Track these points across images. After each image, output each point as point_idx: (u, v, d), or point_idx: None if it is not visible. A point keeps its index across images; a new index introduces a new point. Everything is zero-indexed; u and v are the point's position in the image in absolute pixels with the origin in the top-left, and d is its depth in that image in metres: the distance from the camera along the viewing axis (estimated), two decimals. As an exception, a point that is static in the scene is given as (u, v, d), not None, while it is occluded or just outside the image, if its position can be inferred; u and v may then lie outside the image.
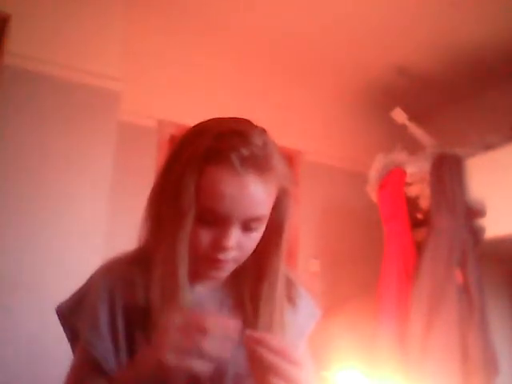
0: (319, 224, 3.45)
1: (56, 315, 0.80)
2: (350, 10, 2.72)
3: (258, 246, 0.78)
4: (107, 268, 0.80)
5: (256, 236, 0.76)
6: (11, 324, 2.11)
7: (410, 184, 2.79)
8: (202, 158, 0.71)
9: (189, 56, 3.16)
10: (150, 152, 2.92)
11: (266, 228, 0.77)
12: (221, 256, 0.74)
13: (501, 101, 3.20)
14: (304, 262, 3.28)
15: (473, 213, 2.50)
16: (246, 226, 0.73)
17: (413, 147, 2.96)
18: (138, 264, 0.78)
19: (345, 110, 3.77)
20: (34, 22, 2.45)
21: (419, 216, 2.73)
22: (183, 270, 0.73)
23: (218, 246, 0.73)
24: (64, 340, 0.80)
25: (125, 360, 0.74)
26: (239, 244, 0.74)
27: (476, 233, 2.49)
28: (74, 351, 0.80)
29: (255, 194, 0.71)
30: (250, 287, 0.81)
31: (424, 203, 2.70)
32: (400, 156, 2.87)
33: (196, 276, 0.78)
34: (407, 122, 3.02)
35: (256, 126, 0.77)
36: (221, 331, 0.63)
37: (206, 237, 0.73)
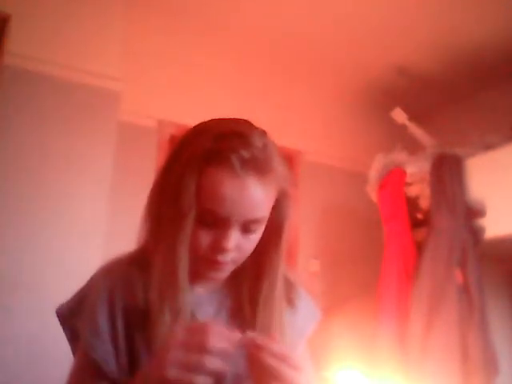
0: (319, 224, 3.45)
1: (56, 316, 0.80)
2: (350, 9, 2.72)
3: (257, 246, 0.78)
4: (107, 269, 0.80)
5: (255, 237, 0.76)
6: (11, 324, 2.11)
7: (410, 184, 2.79)
8: (202, 158, 0.71)
9: (189, 56, 3.16)
10: (150, 152, 2.92)
11: (266, 229, 0.77)
12: (220, 257, 0.74)
13: (501, 101, 3.20)
14: (304, 261, 3.28)
15: (473, 213, 2.50)
16: (246, 228, 0.74)
17: (413, 147, 2.96)
18: (138, 265, 0.77)
19: (345, 110, 3.77)
20: (34, 22, 2.45)
21: (419, 216, 2.73)
22: (183, 271, 0.73)
23: (217, 247, 0.73)
24: (64, 340, 0.80)
25: (124, 361, 0.74)
26: (238, 245, 0.74)
27: (476, 233, 2.49)
28: (74, 352, 0.79)
29: (255, 196, 0.71)
30: (249, 288, 0.81)
31: (424, 203, 2.70)
32: (400, 156, 2.87)
33: (195, 277, 0.78)
34: (407, 122, 3.02)
35: (256, 128, 0.77)
36: (221, 345, 0.63)
37: (205, 238, 0.73)
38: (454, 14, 2.70)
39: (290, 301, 0.85)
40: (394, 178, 2.82)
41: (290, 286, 0.86)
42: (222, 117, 0.79)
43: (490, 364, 2.36)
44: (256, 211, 0.72)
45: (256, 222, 0.74)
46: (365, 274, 3.18)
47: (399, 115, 3.05)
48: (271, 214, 0.77)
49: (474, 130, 2.74)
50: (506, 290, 2.98)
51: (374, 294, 2.73)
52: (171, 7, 2.80)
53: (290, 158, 3.32)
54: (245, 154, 0.70)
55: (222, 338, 0.64)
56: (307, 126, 3.56)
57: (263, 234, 0.77)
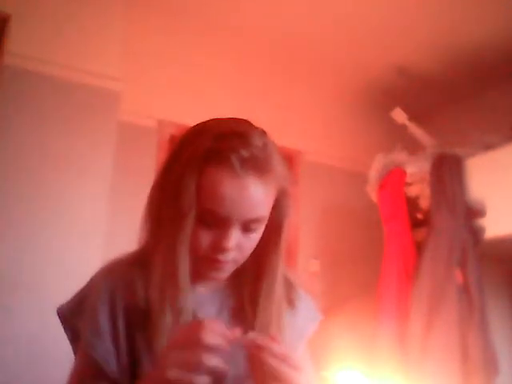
0: (319, 224, 3.45)
1: (57, 316, 0.79)
2: (350, 9, 2.72)
3: (257, 246, 0.78)
4: (108, 269, 0.80)
5: (255, 237, 0.76)
6: (11, 324, 2.11)
7: (410, 184, 2.79)
8: (202, 158, 0.71)
9: (189, 56, 3.16)
10: (150, 152, 2.92)
11: (266, 228, 0.78)
12: (221, 257, 0.74)
13: (501, 101, 3.20)
14: (304, 261, 3.28)
15: (473, 213, 2.50)
16: (246, 227, 0.74)
17: (413, 147, 2.96)
18: (139, 265, 0.77)
19: (345, 110, 3.77)
20: (34, 22, 2.45)
21: (419, 216, 2.73)
22: (183, 271, 0.74)
23: (218, 247, 0.73)
24: (64, 340, 0.80)
25: (125, 361, 0.74)
26: (239, 245, 0.74)
27: (476, 233, 2.49)
28: (75, 352, 0.79)
29: (255, 196, 0.71)
30: (250, 287, 0.81)
31: (424, 203, 2.70)
32: (400, 156, 2.87)
33: (197, 277, 0.78)
34: (407, 122, 3.02)
35: (256, 127, 0.77)
36: (216, 341, 0.63)
37: (205, 238, 0.73)
38: (454, 14, 2.70)
39: (291, 301, 0.85)
40: (394, 178, 2.82)
41: (290, 287, 0.86)
42: (221, 117, 0.80)
43: (490, 364, 2.36)
44: (256, 210, 0.73)
45: (256, 221, 0.74)
46: (365, 274, 3.18)
47: (399, 115, 3.05)
48: (271, 213, 0.77)
49: (474, 130, 2.74)
50: (506, 290, 2.98)
51: (374, 294, 2.73)
52: (171, 7, 2.80)
53: (290, 158, 3.32)
54: (244, 153, 0.70)
55: (217, 334, 0.64)
56: (307, 125, 3.56)
57: (263, 233, 0.77)
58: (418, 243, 2.65)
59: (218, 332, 0.64)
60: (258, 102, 3.23)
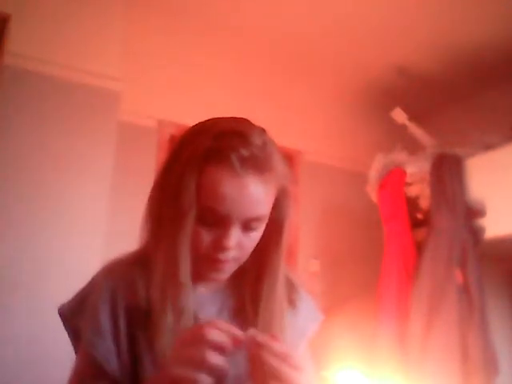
0: (319, 224, 3.45)
1: (58, 316, 0.79)
2: (350, 9, 2.72)
3: (258, 245, 0.78)
4: (109, 269, 0.80)
5: (256, 236, 0.76)
6: (11, 324, 2.11)
7: (410, 184, 2.79)
8: (202, 157, 0.71)
9: (189, 56, 3.16)
10: (149, 152, 2.92)
11: (266, 227, 0.78)
12: (221, 256, 0.74)
13: (501, 101, 3.20)
14: (304, 261, 3.28)
15: (473, 213, 2.50)
16: (246, 226, 0.74)
17: (413, 147, 2.96)
18: (140, 265, 0.78)
19: (345, 110, 3.77)
20: (33, 22, 2.45)
21: (419, 216, 2.73)
22: (184, 271, 0.74)
23: (218, 246, 0.73)
24: (64, 340, 0.80)
25: (126, 360, 0.74)
26: (239, 244, 0.74)
27: (476, 233, 2.49)
28: (76, 352, 0.79)
29: (255, 195, 0.71)
30: (251, 287, 0.81)
31: (424, 203, 2.70)
32: (400, 156, 2.87)
33: (198, 277, 0.78)
34: (407, 122, 3.02)
35: (256, 126, 0.77)
36: (221, 338, 0.63)
37: (206, 237, 0.73)
38: (454, 14, 2.70)
39: (292, 302, 0.85)
40: (393, 178, 2.82)
41: (291, 287, 0.86)
42: (221, 116, 0.79)
43: (490, 364, 2.36)
44: (256, 209, 0.73)
45: (256, 219, 0.74)
46: (365, 273, 3.17)
47: (399, 115, 3.05)
48: (271, 212, 0.77)
49: (474, 130, 2.74)
50: (506, 290, 2.98)
51: (374, 294, 2.73)
52: (171, 7, 2.80)
53: (290, 158, 3.32)
54: (244, 152, 0.70)
55: (222, 332, 0.64)
56: (307, 125, 3.56)
57: (264, 232, 0.77)
58: (418, 243, 2.65)
59: (223, 330, 0.64)
60: (258, 102, 3.22)
